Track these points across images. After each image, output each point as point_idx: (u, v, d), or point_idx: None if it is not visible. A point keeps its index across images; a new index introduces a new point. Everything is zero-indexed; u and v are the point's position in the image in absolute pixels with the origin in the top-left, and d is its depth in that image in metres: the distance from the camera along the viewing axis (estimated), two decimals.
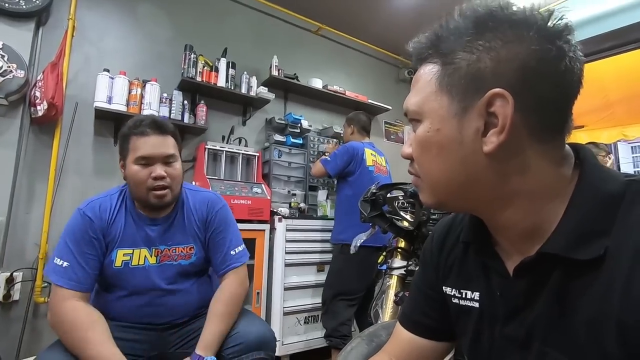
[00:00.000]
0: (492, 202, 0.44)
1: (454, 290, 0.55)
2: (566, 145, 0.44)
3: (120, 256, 1.07)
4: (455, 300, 0.54)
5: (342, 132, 2.98)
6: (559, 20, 0.40)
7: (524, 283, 0.44)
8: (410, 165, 0.49)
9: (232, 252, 1.17)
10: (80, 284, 0.99)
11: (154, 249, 1.10)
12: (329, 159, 2.32)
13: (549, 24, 0.39)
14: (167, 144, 1.08)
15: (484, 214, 0.47)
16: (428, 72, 0.44)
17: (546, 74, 0.39)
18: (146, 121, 1.07)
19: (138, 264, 1.08)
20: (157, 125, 1.07)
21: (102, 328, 0.96)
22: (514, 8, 0.41)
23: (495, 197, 0.43)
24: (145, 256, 1.09)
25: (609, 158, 2.50)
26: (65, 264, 0.99)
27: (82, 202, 1.09)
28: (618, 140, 3.92)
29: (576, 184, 0.41)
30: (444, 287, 0.57)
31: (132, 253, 1.08)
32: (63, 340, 0.94)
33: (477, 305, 0.51)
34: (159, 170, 1.04)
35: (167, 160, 1.07)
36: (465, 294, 0.53)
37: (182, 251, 1.14)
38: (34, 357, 0.93)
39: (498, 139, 0.39)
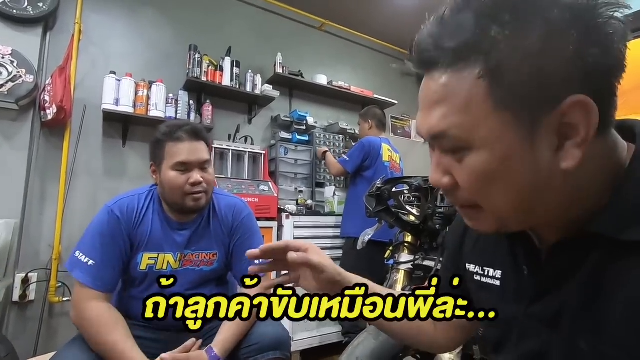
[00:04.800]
0: (555, 208, 0.39)
1: (477, 267, 0.55)
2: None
3: (145, 260, 1.07)
4: (477, 278, 0.54)
5: (348, 127, 2.97)
6: (611, 6, 0.34)
7: (559, 262, 0.42)
8: (450, 194, 0.41)
9: (257, 262, 1.17)
10: (105, 285, 0.99)
11: (178, 254, 1.10)
12: (347, 158, 2.34)
13: (601, 9, 0.33)
14: (202, 150, 1.08)
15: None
16: (467, 83, 0.35)
17: (606, 65, 0.34)
18: (183, 128, 1.07)
19: (162, 269, 1.08)
20: (194, 132, 1.07)
21: (124, 330, 0.97)
22: None
23: (560, 202, 0.39)
24: (169, 261, 1.09)
25: None
26: (90, 262, 0.98)
27: (111, 199, 1.09)
28: None
29: (630, 162, 0.38)
30: (467, 265, 0.57)
31: (157, 257, 1.08)
32: (87, 338, 0.95)
33: (498, 283, 0.50)
34: (197, 176, 1.04)
35: (203, 165, 1.07)
36: (488, 271, 0.52)
37: (205, 257, 1.13)
38: (52, 354, 0.95)
39: (581, 152, 0.34)
